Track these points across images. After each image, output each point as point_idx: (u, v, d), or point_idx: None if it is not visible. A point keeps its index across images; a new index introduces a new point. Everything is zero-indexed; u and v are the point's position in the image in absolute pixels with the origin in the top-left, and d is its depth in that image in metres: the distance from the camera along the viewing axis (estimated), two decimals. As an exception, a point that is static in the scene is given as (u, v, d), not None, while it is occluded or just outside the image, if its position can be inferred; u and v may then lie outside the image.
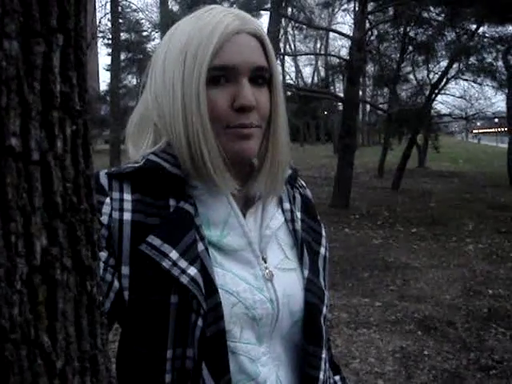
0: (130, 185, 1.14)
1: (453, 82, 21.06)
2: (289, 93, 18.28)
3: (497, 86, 19.37)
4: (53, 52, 0.72)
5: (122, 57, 40.76)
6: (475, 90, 23.50)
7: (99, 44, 45.26)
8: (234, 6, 14.11)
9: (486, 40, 16.06)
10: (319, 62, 51.58)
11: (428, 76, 20.56)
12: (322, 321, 1.24)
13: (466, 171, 24.42)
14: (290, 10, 15.96)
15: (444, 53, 17.83)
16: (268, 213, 1.25)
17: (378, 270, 7.59)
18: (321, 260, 1.32)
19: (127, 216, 1.10)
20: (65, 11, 0.75)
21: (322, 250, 1.34)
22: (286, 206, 1.33)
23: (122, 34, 38.27)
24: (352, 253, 8.68)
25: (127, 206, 1.12)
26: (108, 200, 1.11)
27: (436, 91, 19.09)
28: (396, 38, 17.02)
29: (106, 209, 1.10)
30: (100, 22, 39.12)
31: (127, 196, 1.13)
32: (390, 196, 16.13)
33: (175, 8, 20.58)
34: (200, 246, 1.10)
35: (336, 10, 30.16)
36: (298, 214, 1.35)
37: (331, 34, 43.10)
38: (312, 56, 51.90)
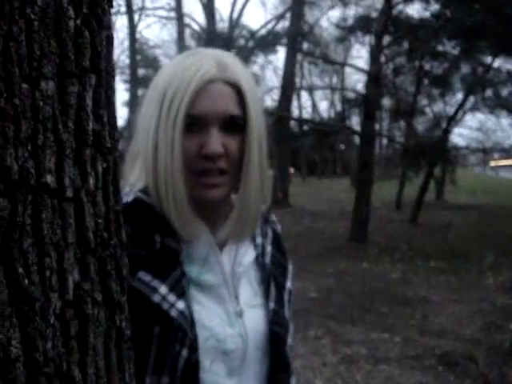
0: None
1: (469, 115, 21.04)
2: (305, 127, 18.39)
3: (512, 120, 19.35)
4: (86, 92, 0.74)
5: (140, 93, 41.24)
6: (492, 123, 23.42)
7: (117, 80, 45.80)
8: (251, 42, 14.28)
9: (501, 73, 16.09)
10: (335, 96, 51.80)
11: (444, 109, 20.57)
12: (288, 349, 1.31)
13: (484, 204, 24.24)
14: (305, 45, 16.12)
15: (460, 86, 17.87)
16: (241, 250, 1.30)
17: (397, 305, 7.51)
18: (286, 293, 1.37)
19: None
20: (97, 52, 0.77)
21: (288, 284, 1.40)
22: (258, 240, 1.38)
23: (139, 70, 38.79)
24: (370, 287, 8.61)
25: None
26: None
27: (452, 124, 19.08)
28: (411, 71, 17.08)
29: None
30: (118, 59, 39.76)
31: None
32: (408, 229, 16.03)
33: (192, 44, 20.87)
34: (184, 282, 1.16)
35: (351, 44, 30.43)
36: (269, 249, 1.40)
37: (347, 68, 43.35)
38: (328, 90, 52.18)
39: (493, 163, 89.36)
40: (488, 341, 5.95)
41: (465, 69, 16.80)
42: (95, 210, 0.72)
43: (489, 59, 16.47)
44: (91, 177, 0.72)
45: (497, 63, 16.62)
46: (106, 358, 0.75)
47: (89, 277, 0.72)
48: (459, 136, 26.31)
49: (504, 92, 17.06)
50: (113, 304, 0.77)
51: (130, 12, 30.46)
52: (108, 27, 0.79)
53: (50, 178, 0.66)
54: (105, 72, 0.79)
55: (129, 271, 0.83)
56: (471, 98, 18.65)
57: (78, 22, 0.71)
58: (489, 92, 17.44)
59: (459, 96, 18.87)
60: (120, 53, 42.01)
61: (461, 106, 18.68)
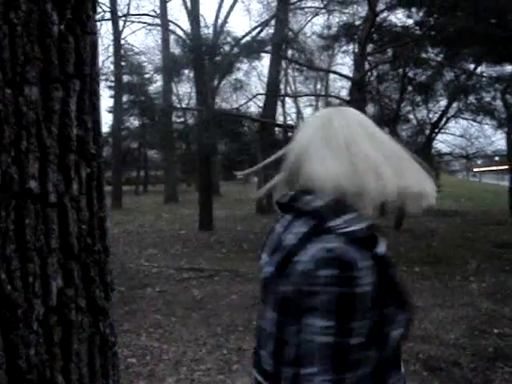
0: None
1: (453, 121, 21.17)
2: (290, 134, 18.39)
3: (496, 125, 19.49)
4: (70, 97, 0.74)
5: (125, 99, 41.09)
6: (475, 129, 23.59)
7: (102, 86, 45.64)
8: (235, 48, 14.29)
9: (484, 79, 16.21)
10: (320, 103, 51.96)
11: (428, 115, 20.69)
12: None
13: (468, 210, 24.38)
14: (290, 52, 16.16)
15: (443, 92, 17.99)
16: None
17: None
18: None
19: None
20: (81, 58, 0.77)
21: None
22: None
23: (124, 77, 38.68)
24: (355, 293, 8.62)
25: None
26: None
27: (436, 130, 19.20)
28: (395, 78, 17.17)
29: None
30: (103, 65, 39.64)
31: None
32: (392, 236, 16.08)
33: (177, 51, 20.84)
34: None
35: (336, 51, 30.55)
36: None
37: (331, 75, 43.50)
38: (313, 97, 52.34)
39: (476, 169, 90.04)
40: (472, 346, 5.97)
41: (448, 76, 16.92)
42: (79, 215, 0.72)
43: (471, 66, 16.61)
44: (75, 182, 0.71)
45: (479, 70, 16.77)
46: (90, 364, 0.74)
47: (72, 283, 0.71)
48: (443, 142, 26.43)
49: (487, 98, 17.19)
50: (97, 310, 0.76)
51: (114, 18, 30.42)
52: (92, 33, 0.79)
53: (33, 184, 0.66)
54: (89, 78, 0.78)
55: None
56: (454, 105, 18.80)
57: (62, 27, 0.71)
58: (472, 98, 17.57)
59: (442, 102, 19.02)
60: (105, 59, 41.92)
61: (444, 112, 18.82)
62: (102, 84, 43.74)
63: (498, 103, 17.67)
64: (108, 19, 31.96)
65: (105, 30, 79.26)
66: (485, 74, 16.45)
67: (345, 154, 1.48)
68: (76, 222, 0.71)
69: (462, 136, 24.36)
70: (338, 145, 1.49)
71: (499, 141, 26.10)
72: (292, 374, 1.37)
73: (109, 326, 0.79)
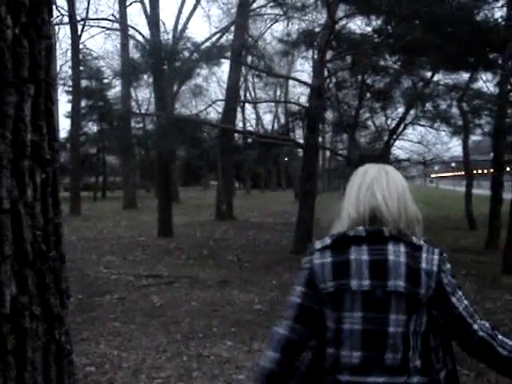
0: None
1: (410, 128, 21.48)
2: (249, 140, 18.44)
3: (452, 132, 19.84)
4: (24, 102, 0.73)
5: (83, 104, 40.67)
6: (432, 136, 23.99)
7: (59, 91, 45.09)
8: (195, 54, 14.27)
9: (440, 87, 16.49)
10: (279, 109, 52.23)
11: (386, 122, 20.96)
12: None
13: (426, 215, 24.61)
14: (249, 58, 16.20)
15: (401, 99, 18.23)
16: None
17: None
18: None
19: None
20: (36, 62, 0.76)
21: None
22: None
23: (82, 82, 38.29)
24: (315, 298, 8.66)
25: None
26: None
27: (394, 137, 19.46)
28: (354, 85, 17.32)
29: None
30: (60, 70, 39.19)
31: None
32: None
33: (136, 56, 20.71)
34: None
35: (295, 58, 30.75)
36: None
37: (291, 82, 43.76)
38: (272, 103, 52.60)
39: (433, 175, 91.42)
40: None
41: (405, 83, 17.16)
42: (33, 222, 0.71)
43: (429, 74, 16.88)
44: (29, 188, 0.70)
45: (436, 77, 17.06)
46: (45, 373, 0.73)
47: (27, 290, 0.70)
48: (400, 149, 26.80)
49: (443, 105, 17.49)
50: (52, 318, 0.75)
51: (72, 22, 30.09)
52: (48, 37, 0.78)
53: (-14, 190, 0.65)
54: (44, 82, 0.77)
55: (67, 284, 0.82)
56: (412, 112, 19.08)
57: (17, 31, 0.70)
58: (429, 106, 17.85)
59: (400, 109, 19.28)
60: (63, 63, 41.45)
61: (402, 119, 19.08)
62: (60, 89, 43.25)
63: (455, 111, 18.01)
64: (66, 23, 31.72)
65: (63, 34, 78.43)
66: (441, 82, 16.74)
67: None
68: (30, 228, 0.70)
69: (419, 142, 24.76)
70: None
71: (456, 147, 26.61)
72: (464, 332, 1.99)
73: (64, 333, 0.78)
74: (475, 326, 1.96)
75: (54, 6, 0.87)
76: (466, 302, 1.98)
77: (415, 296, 1.89)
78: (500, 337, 1.98)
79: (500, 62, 14.25)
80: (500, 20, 13.39)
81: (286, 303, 2.06)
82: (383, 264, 1.91)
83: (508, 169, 20.80)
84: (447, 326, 1.98)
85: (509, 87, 14.82)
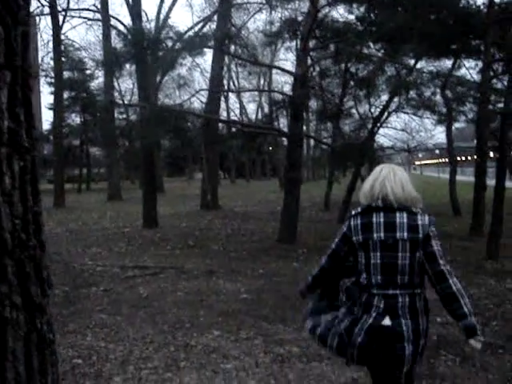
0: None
1: (394, 116, 21.57)
2: (233, 129, 18.40)
3: (436, 119, 19.93)
4: (0, 89, 0.72)
5: (66, 95, 40.39)
6: (416, 123, 24.11)
7: (42, 83, 44.76)
8: (178, 44, 14.19)
9: (424, 75, 16.53)
10: (263, 98, 52.19)
11: (370, 110, 21.01)
12: None
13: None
14: (233, 47, 16.14)
15: (384, 87, 18.26)
16: None
17: (327, 303, 7.60)
18: None
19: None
20: (12, 48, 0.75)
21: None
22: None
23: (64, 73, 38.00)
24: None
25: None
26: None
27: (378, 125, 19.53)
28: (337, 73, 17.33)
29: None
30: (42, 61, 38.86)
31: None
32: (336, 229, 16.20)
33: (119, 46, 20.57)
34: None
35: (278, 47, 30.68)
36: None
37: (274, 71, 43.76)
38: (256, 92, 52.51)
39: (417, 162, 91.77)
40: (415, 335, 6.09)
41: (389, 71, 17.19)
42: (12, 210, 0.70)
43: (412, 61, 16.92)
44: (7, 176, 0.69)
45: (419, 65, 17.10)
46: (27, 362, 0.73)
47: (6, 279, 0.69)
48: (385, 136, 26.96)
49: (427, 93, 17.54)
50: (33, 307, 0.74)
51: (54, 13, 29.79)
52: (24, 23, 0.77)
53: (-38, 178, 0.64)
54: (21, 69, 0.76)
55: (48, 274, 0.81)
56: (395, 99, 19.13)
57: (-9, 16, 0.68)
58: (412, 93, 17.90)
59: (384, 97, 19.33)
60: (44, 55, 41.13)
61: (386, 107, 19.13)
62: (42, 80, 42.95)
63: (438, 98, 18.07)
64: (47, 14, 31.40)
65: (44, 25, 77.60)
66: (425, 70, 16.78)
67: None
68: (9, 216, 0.69)
69: (403, 130, 24.89)
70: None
71: (439, 134, 26.74)
72: (439, 270, 3.11)
73: (46, 322, 0.77)
74: (441, 261, 3.13)
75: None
76: (439, 246, 3.18)
77: (415, 240, 3.13)
78: (455, 279, 3.14)
79: (482, 48, 14.29)
80: (482, 6, 13.40)
81: (330, 245, 3.47)
82: (393, 223, 3.17)
83: (491, 155, 20.93)
84: (424, 259, 3.13)
85: (491, 74, 14.88)
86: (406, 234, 3.12)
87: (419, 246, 3.11)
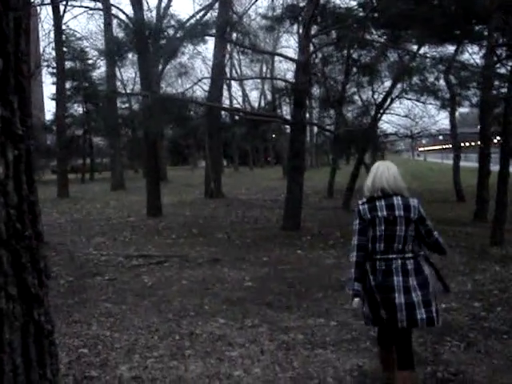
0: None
1: (397, 102, 21.44)
2: (236, 117, 18.35)
3: (440, 105, 19.84)
4: (-9, 76, 0.70)
5: (68, 85, 40.30)
6: (419, 109, 23.98)
7: (43, 73, 44.68)
8: (180, 32, 14.14)
9: (427, 60, 16.44)
10: (265, 86, 52.03)
11: (373, 96, 20.92)
12: None
13: (414, 188, 24.80)
14: (234, 35, 16.06)
15: (387, 73, 18.17)
16: None
17: (331, 290, 7.61)
18: None
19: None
20: (4, 35, 0.73)
21: None
22: None
23: (66, 63, 37.90)
24: (305, 274, 8.70)
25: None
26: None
27: (381, 111, 19.46)
28: (340, 60, 17.24)
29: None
30: (44, 51, 38.75)
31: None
32: (340, 216, 16.27)
33: (120, 35, 20.49)
34: None
35: (280, 33, 30.50)
36: None
37: (276, 58, 43.57)
38: (258, 80, 52.35)
39: (421, 148, 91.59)
40: (420, 321, 6.09)
41: (392, 57, 17.09)
42: (6, 200, 0.68)
43: (414, 47, 16.81)
44: (1, 165, 0.68)
45: (422, 50, 16.99)
46: (25, 354, 0.72)
47: (2, 270, 0.68)
48: (388, 123, 26.85)
49: (430, 78, 17.45)
50: (30, 298, 0.73)
51: (54, 2, 29.66)
52: (16, 9, 0.75)
53: (-46, 167, 0.62)
54: (14, 56, 0.74)
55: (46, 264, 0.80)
56: (398, 86, 19.04)
57: (-18, 2, 0.67)
58: (416, 79, 17.81)
59: (387, 83, 19.24)
60: (46, 45, 40.95)
61: (389, 93, 19.05)
62: (44, 71, 42.83)
63: (441, 83, 17.98)
64: (48, 4, 31.19)
65: (45, 14, 77.38)
66: (428, 55, 16.68)
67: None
68: (3, 206, 0.68)
69: (406, 116, 24.75)
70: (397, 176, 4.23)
71: (443, 120, 26.73)
72: (433, 240, 4.24)
73: (44, 313, 0.76)
74: (435, 233, 4.24)
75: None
76: (430, 222, 4.23)
77: (409, 217, 4.08)
78: (443, 240, 4.33)
79: (486, 33, 14.20)
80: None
81: (353, 230, 4.22)
82: (392, 205, 4.11)
83: (495, 141, 20.86)
84: (424, 233, 4.18)
85: (495, 59, 14.79)
86: (402, 212, 4.11)
87: (411, 222, 4.10)
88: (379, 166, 4.31)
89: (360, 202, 4.27)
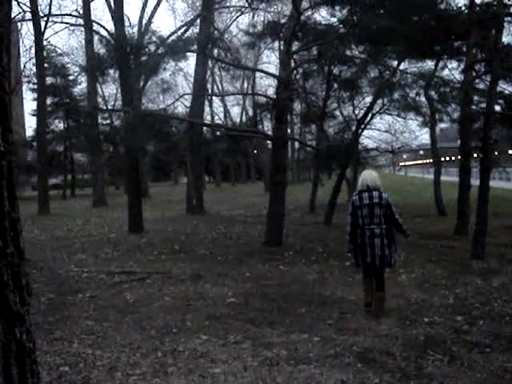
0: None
1: (378, 117, 21.65)
2: (218, 133, 18.36)
3: (421, 120, 20.03)
4: (-27, 91, 0.70)
5: (49, 101, 40.17)
6: (400, 124, 24.23)
7: (24, 89, 44.50)
8: (161, 48, 14.15)
9: (408, 76, 16.61)
10: (247, 102, 52.20)
11: (354, 112, 21.09)
12: None
13: (395, 203, 24.90)
14: (216, 51, 16.11)
15: (368, 89, 18.34)
16: None
17: (314, 305, 7.61)
18: None
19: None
20: (-15, 50, 0.72)
21: None
22: None
23: (47, 79, 37.80)
24: (288, 289, 8.69)
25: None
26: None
27: (362, 126, 19.60)
28: (321, 75, 17.37)
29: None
30: (25, 67, 38.60)
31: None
32: (322, 231, 16.30)
33: (102, 51, 20.47)
34: None
35: (261, 50, 30.67)
36: None
37: (258, 74, 43.70)
38: (240, 96, 52.52)
39: (402, 163, 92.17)
40: (404, 335, 6.11)
41: (372, 72, 17.25)
42: (-13, 216, 0.68)
43: (395, 63, 16.99)
44: (-18, 181, 0.67)
45: (402, 66, 17.18)
46: (5, 372, 0.70)
47: (-17, 288, 0.67)
48: (369, 138, 27.07)
49: (411, 94, 17.63)
50: (11, 315, 0.72)
51: (35, 18, 29.58)
52: (-2, 24, 0.75)
53: None
54: (-5, 71, 0.74)
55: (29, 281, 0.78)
56: (379, 101, 19.21)
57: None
58: (396, 95, 17.98)
59: (368, 99, 19.41)
60: (27, 61, 40.84)
61: (370, 108, 19.20)
62: (25, 87, 42.68)
63: (423, 99, 18.19)
64: (29, 19, 31.15)
65: (25, 30, 77.21)
66: (408, 71, 16.86)
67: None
68: (-16, 223, 0.67)
69: (387, 131, 25.02)
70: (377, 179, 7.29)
71: (423, 135, 26.92)
72: (395, 219, 7.13)
73: (26, 331, 0.75)
74: (396, 216, 7.08)
75: (15, 2, 0.84)
76: (394, 207, 7.13)
77: (381, 203, 6.98)
78: (401, 220, 7.24)
79: (464, 49, 14.38)
80: (463, 8, 13.50)
81: (349, 213, 7.15)
82: (372, 196, 6.99)
83: (475, 155, 21.09)
84: (389, 214, 7.01)
85: (474, 74, 14.97)
86: (377, 200, 6.97)
87: (383, 206, 6.97)
88: (365, 172, 7.45)
89: (354, 194, 7.28)
